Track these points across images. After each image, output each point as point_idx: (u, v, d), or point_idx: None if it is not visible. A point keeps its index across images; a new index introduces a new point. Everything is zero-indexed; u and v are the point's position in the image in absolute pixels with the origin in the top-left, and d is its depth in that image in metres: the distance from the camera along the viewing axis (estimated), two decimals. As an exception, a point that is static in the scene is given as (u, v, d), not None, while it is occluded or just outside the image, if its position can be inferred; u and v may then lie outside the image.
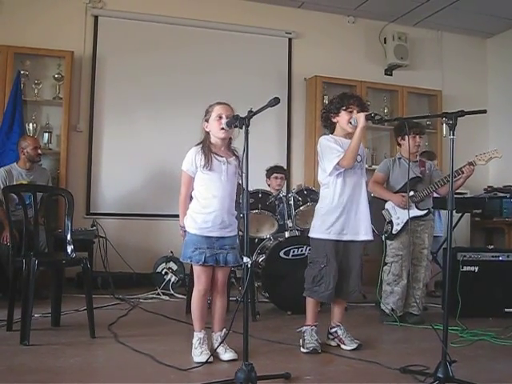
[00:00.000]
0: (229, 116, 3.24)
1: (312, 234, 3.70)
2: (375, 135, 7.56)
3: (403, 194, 4.50)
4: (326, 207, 3.61)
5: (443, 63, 7.96)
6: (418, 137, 4.55)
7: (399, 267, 4.50)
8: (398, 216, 4.55)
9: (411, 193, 4.52)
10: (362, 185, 3.67)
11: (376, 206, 4.51)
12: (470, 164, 4.36)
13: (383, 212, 4.58)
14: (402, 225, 4.52)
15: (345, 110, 3.60)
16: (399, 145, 4.72)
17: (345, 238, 3.59)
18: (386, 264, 4.57)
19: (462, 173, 4.35)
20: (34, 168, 5.52)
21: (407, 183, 4.39)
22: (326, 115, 3.72)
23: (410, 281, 4.48)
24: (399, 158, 4.66)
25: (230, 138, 3.41)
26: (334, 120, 3.66)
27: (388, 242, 4.58)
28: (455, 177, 4.38)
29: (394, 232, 4.54)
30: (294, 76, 7.35)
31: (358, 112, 3.55)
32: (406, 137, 4.53)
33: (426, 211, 4.51)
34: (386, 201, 4.60)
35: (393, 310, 4.50)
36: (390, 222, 4.56)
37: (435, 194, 4.73)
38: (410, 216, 4.45)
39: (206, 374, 3.01)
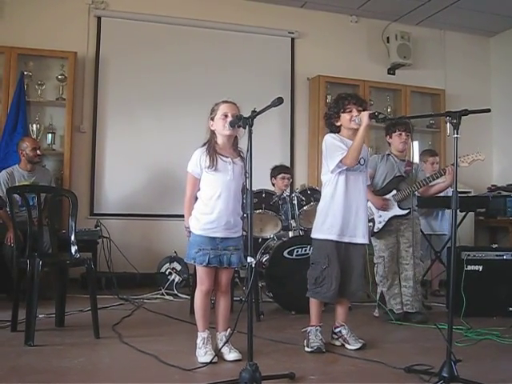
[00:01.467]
0: (234, 115, 3.23)
1: (313, 235, 3.70)
2: (378, 135, 7.54)
3: (385, 197, 4.57)
4: (326, 206, 3.62)
5: (446, 62, 7.95)
6: (403, 134, 4.58)
7: (383, 268, 4.54)
8: (380, 214, 4.58)
9: (393, 192, 4.55)
10: (363, 188, 3.68)
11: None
12: (453, 165, 4.36)
13: None
14: (383, 223, 4.56)
15: (343, 111, 3.61)
16: (389, 144, 4.75)
17: (344, 239, 3.60)
18: (375, 265, 4.61)
19: (445, 173, 4.38)
20: (36, 169, 5.53)
21: (393, 180, 4.56)
22: (328, 122, 3.73)
23: (399, 280, 4.52)
24: (388, 155, 4.70)
25: (236, 138, 3.40)
26: (338, 124, 3.67)
27: (373, 243, 4.60)
28: (438, 177, 4.44)
29: (375, 230, 4.58)
30: (297, 76, 7.35)
31: (356, 109, 3.57)
32: (394, 134, 4.59)
33: (407, 211, 4.51)
34: None
35: (390, 309, 4.53)
36: (372, 220, 4.58)
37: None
38: (392, 215, 4.52)
39: (211, 375, 3.01)
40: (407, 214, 4.52)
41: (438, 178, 4.48)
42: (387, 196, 4.58)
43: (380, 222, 4.56)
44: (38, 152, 5.49)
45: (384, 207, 4.54)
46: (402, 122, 4.60)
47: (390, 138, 4.69)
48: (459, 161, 4.35)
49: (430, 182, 4.50)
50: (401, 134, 4.59)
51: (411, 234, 4.55)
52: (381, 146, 7.47)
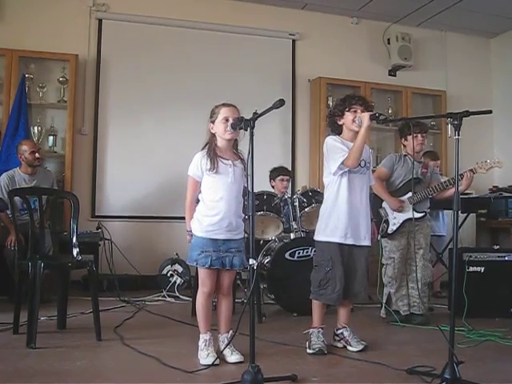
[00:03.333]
0: (235, 118, 3.23)
1: (317, 237, 3.70)
2: (380, 136, 7.55)
3: (401, 198, 4.55)
4: (329, 209, 3.62)
5: (447, 63, 7.94)
6: (419, 135, 4.56)
7: (392, 269, 4.53)
8: (395, 216, 4.57)
9: (409, 194, 4.54)
10: (366, 190, 3.68)
11: (373, 203, 4.49)
12: (471, 171, 4.37)
13: (380, 210, 4.59)
14: (397, 225, 4.54)
15: (348, 110, 3.61)
16: (404, 145, 4.73)
17: (348, 241, 3.59)
18: (383, 265, 4.59)
19: (462, 178, 4.36)
20: (37, 172, 5.48)
21: (410, 182, 4.49)
22: (331, 119, 3.74)
23: (406, 281, 4.51)
24: (404, 155, 4.67)
25: (236, 140, 3.41)
26: (340, 123, 3.67)
27: (383, 244, 4.59)
28: (454, 182, 4.41)
29: (389, 231, 4.56)
30: (298, 77, 7.35)
31: (361, 111, 3.57)
32: (409, 136, 4.56)
33: (422, 214, 4.51)
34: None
35: (395, 311, 4.52)
36: (386, 221, 4.57)
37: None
38: (407, 217, 4.50)
39: (213, 377, 3.01)
40: (422, 216, 4.51)
41: (453, 183, 4.46)
42: (403, 198, 4.57)
43: (394, 224, 4.55)
44: (37, 155, 5.40)
45: (400, 209, 4.53)
46: (420, 123, 4.59)
47: (406, 140, 4.67)
48: (477, 167, 4.35)
49: (447, 186, 4.48)
50: (416, 136, 4.57)
51: (422, 237, 4.54)
52: (382, 148, 7.49)
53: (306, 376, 3.01)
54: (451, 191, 4.54)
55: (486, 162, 4.36)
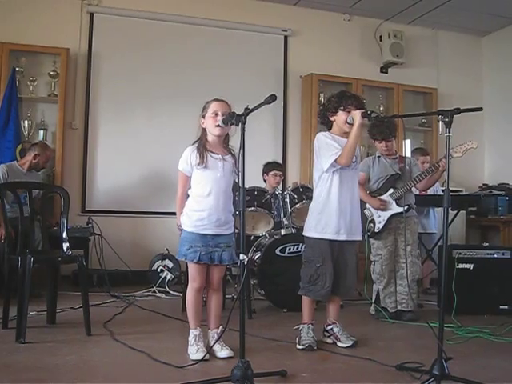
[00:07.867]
0: (225, 113, 3.23)
1: (307, 233, 3.69)
2: (371, 133, 7.55)
3: (381, 197, 4.56)
4: (320, 205, 3.61)
5: (439, 61, 7.97)
6: (384, 142, 4.58)
7: (380, 266, 4.53)
8: (380, 214, 4.57)
9: (390, 190, 4.55)
10: (356, 185, 3.69)
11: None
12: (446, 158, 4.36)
13: (365, 211, 4.58)
14: (383, 223, 4.55)
15: (342, 110, 3.59)
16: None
17: (341, 237, 3.58)
18: (371, 263, 4.61)
19: (439, 166, 4.37)
20: (32, 171, 5.51)
21: (389, 180, 4.57)
22: (323, 113, 3.71)
23: (395, 278, 4.52)
24: (378, 156, 4.70)
25: (227, 136, 3.40)
26: (332, 119, 3.65)
27: (371, 241, 4.61)
28: (433, 171, 4.43)
29: (376, 230, 4.57)
30: (290, 74, 7.36)
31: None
32: (375, 142, 4.68)
33: (406, 207, 4.48)
34: None
35: (383, 307, 4.53)
36: (372, 221, 4.58)
37: (416, 191, 4.75)
38: (391, 213, 4.50)
39: (202, 372, 3.01)
40: (406, 211, 4.51)
41: (431, 172, 4.47)
42: (385, 195, 4.57)
43: (380, 222, 4.55)
44: (46, 164, 5.62)
45: (381, 207, 4.53)
46: (381, 129, 4.57)
47: (374, 143, 4.72)
48: (452, 151, 4.34)
49: (425, 176, 4.48)
50: (380, 142, 4.60)
51: (409, 233, 4.55)
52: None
53: (295, 371, 3.02)
54: (433, 178, 4.55)
55: (460, 145, 4.33)
